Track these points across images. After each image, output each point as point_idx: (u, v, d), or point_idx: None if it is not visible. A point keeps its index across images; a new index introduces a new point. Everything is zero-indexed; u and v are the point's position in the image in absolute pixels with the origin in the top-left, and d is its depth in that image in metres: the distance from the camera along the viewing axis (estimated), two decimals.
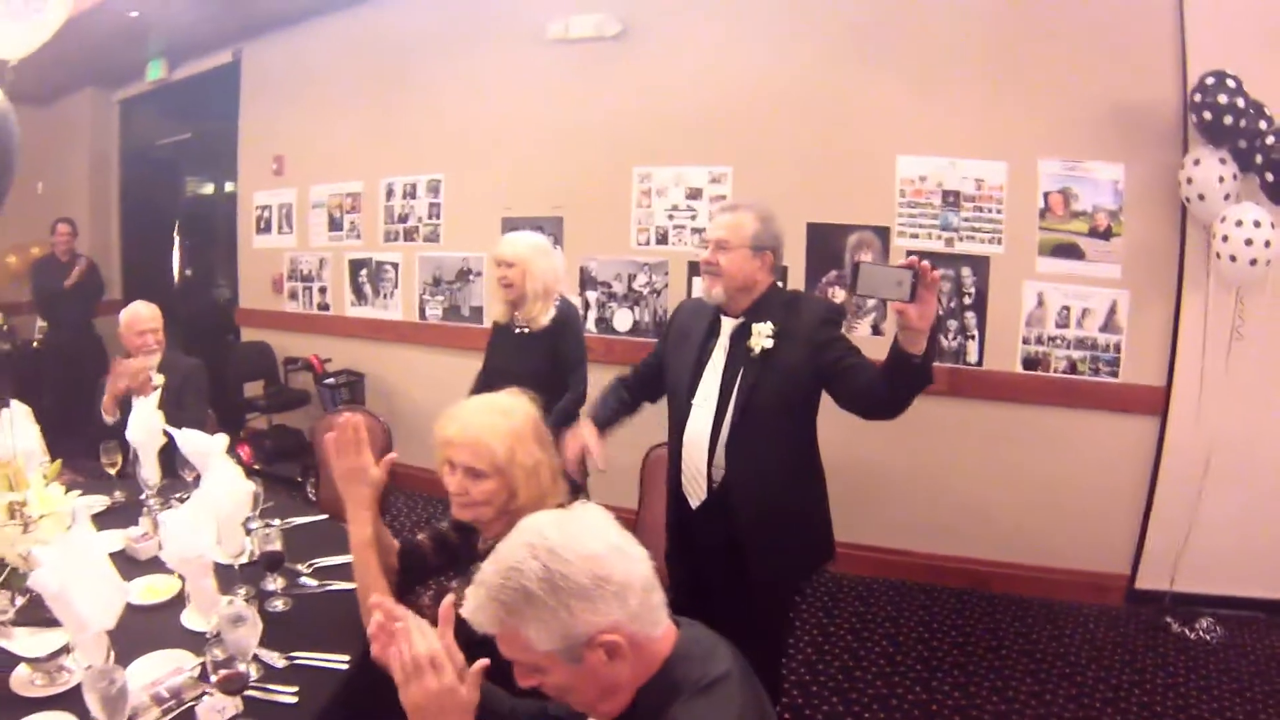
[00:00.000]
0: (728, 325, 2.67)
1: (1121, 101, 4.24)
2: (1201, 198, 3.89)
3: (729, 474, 2.61)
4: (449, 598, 1.53)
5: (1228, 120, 3.70)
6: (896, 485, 4.72)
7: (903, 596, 4.55)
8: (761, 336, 2.57)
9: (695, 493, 2.67)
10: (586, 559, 1.31)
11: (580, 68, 5.28)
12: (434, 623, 1.51)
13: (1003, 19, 4.39)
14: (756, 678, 1.43)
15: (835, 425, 3.72)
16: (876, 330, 4.64)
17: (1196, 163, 3.90)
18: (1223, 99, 3.70)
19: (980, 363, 4.53)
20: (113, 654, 1.84)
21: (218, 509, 2.23)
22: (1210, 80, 3.76)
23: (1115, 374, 4.35)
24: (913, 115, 4.56)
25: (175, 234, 8.58)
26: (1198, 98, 3.79)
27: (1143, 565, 4.43)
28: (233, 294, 7.99)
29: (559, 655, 1.31)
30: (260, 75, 6.96)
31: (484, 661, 1.46)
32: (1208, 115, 3.75)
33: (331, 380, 6.06)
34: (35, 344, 7.24)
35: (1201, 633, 4.10)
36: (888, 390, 2.37)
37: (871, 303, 4.59)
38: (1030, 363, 4.45)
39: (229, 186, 8.20)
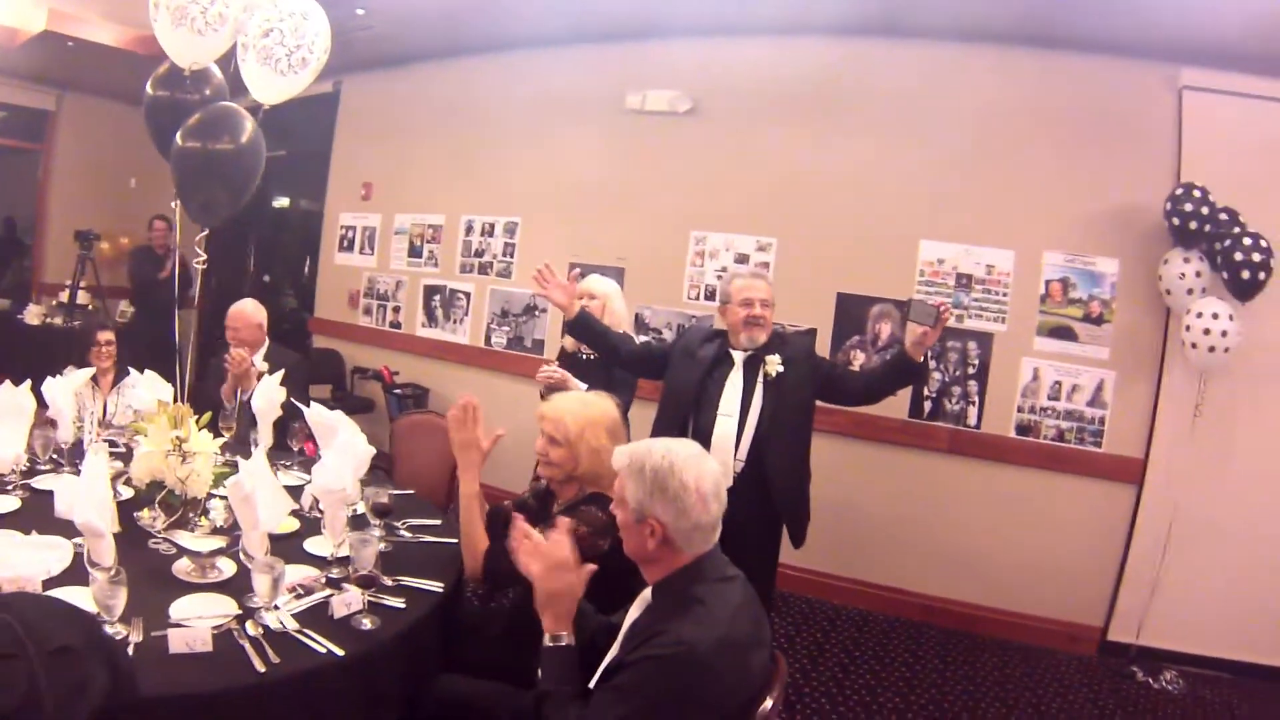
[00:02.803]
0: (739, 356, 3.81)
1: (1120, 203, 5.11)
2: (1169, 292, 4.79)
3: (764, 464, 3.71)
4: (566, 519, 2.45)
5: (1193, 225, 4.60)
6: (897, 528, 5.53)
7: (894, 630, 5.30)
8: (774, 365, 3.75)
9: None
10: (683, 483, 2.12)
11: (652, 137, 6.24)
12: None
13: (1019, 123, 5.28)
14: (760, 603, 2.26)
15: (849, 473, 4.81)
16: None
17: (1166, 262, 4.81)
18: (1188, 207, 4.61)
19: (979, 426, 5.36)
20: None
21: (354, 458, 3.11)
22: (1180, 191, 4.66)
23: (1099, 444, 5.15)
24: (936, 206, 5.45)
25: (250, 243, 9.80)
26: (1168, 206, 4.69)
27: (1115, 619, 5.14)
28: (299, 304, 9.17)
29: (632, 508, 2.16)
30: (357, 107, 8.07)
31: (592, 566, 2.31)
32: (1176, 221, 4.66)
33: (399, 391, 7.04)
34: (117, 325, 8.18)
35: (1165, 684, 4.78)
36: (889, 384, 3.82)
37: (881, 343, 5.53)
38: (1023, 429, 5.28)
39: (304, 204, 9.41)
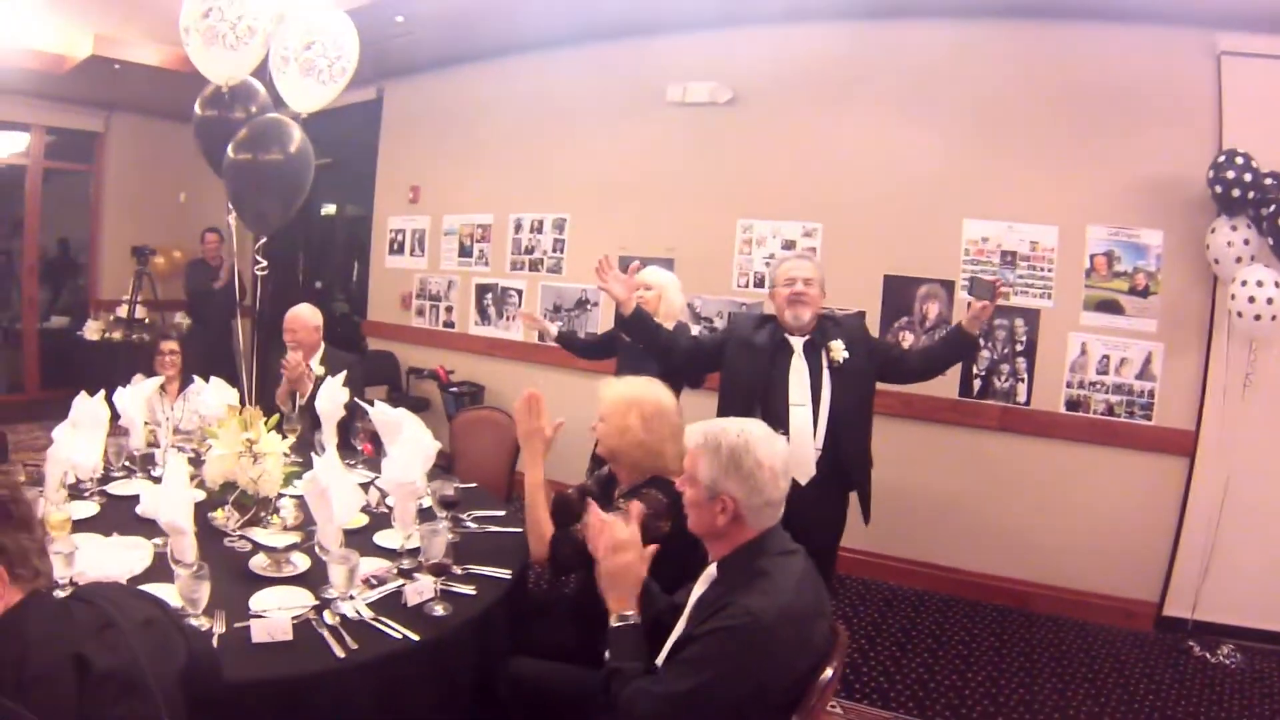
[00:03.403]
0: (797, 343, 3.83)
1: (1162, 174, 5.07)
2: (1217, 261, 4.77)
3: (840, 450, 3.76)
4: (636, 503, 2.57)
5: (1235, 193, 4.57)
6: (951, 508, 5.55)
7: (950, 609, 5.33)
8: (839, 351, 3.79)
9: (804, 473, 3.69)
10: (757, 460, 2.23)
11: (694, 128, 6.32)
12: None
13: (1057, 98, 5.27)
14: (819, 576, 2.36)
15: (901, 454, 4.86)
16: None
17: (1213, 231, 4.78)
18: (1230, 174, 4.58)
19: (1028, 403, 5.37)
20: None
21: (421, 453, 3.23)
22: (1222, 158, 4.64)
23: (1149, 418, 5.13)
24: (978, 184, 5.46)
25: (299, 250, 9.97)
26: (1210, 174, 4.67)
27: (1170, 594, 5.11)
28: (350, 308, 9.31)
29: (704, 485, 2.26)
30: (401, 112, 8.22)
31: (654, 546, 2.42)
32: (1219, 189, 4.64)
33: (455, 389, 7.17)
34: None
35: (1222, 658, 4.73)
36: (946, 359, 4.01)
37: (929, 323, 5.57)
38: (1073, 404, 5.28)
39: (350, 209, 9.53)
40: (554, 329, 5.31)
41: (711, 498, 2.25)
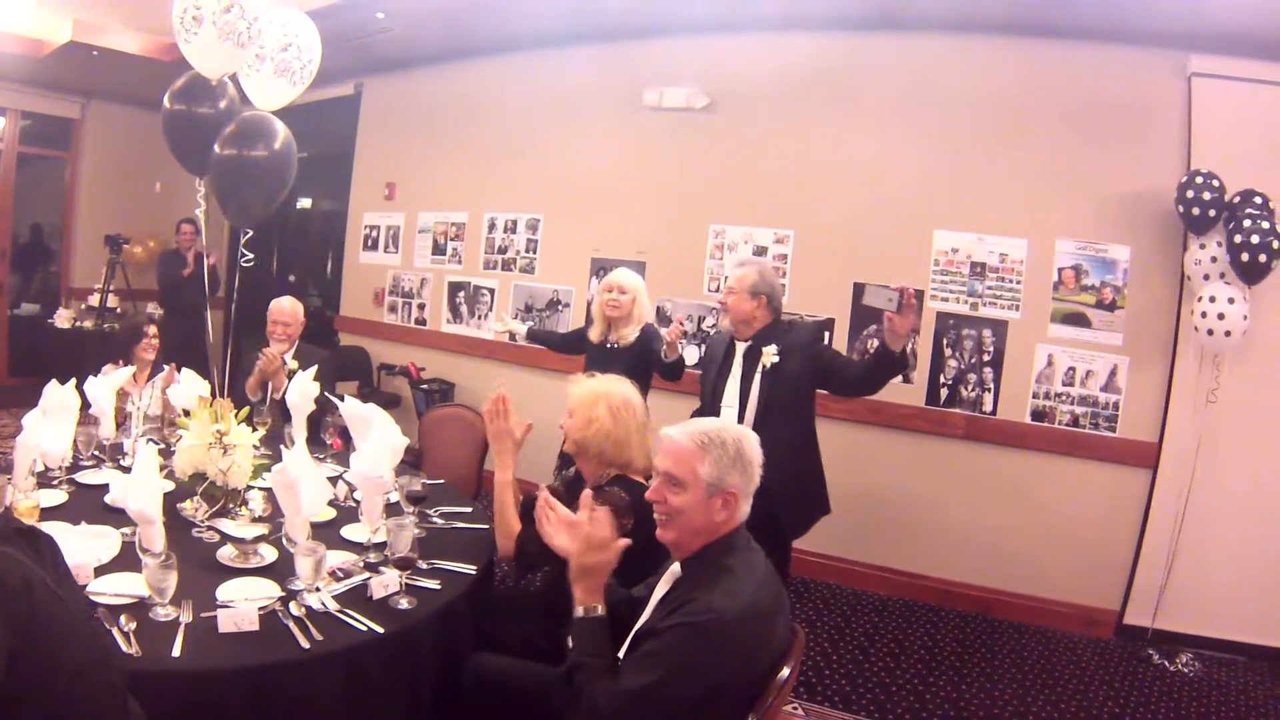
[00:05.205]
0: (740, 348, 3.97)
1: (1131, 191, 5.18)
2: (1189, 278, 4.89)
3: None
4: (587, 491, 2.59)
5: (1195, 211, 4.69)
6: (916, 514, 5.62)
7: (913, 614, 5.40)
8: (769, 355, 3.88)
9: None
10: (754, 450, 2.36)
11: (670, 133, 6.38)
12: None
13: (1030, 113, 5.37)
14: (778, 576, 2.42)
15: (867, 459, 4.90)
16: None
17: (1185, 249, 4.93)
18: (1190, 194, 4.70)
19: (995, 412, 5.45)
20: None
21: (390, 449, 3.28)
22: (1186, 178, 4.76)
23: (1113, 429, 5.23)
24: (949, 195, 5.53)
25: (273, 243, 9.93)
26: (1177, 193, 4.77)
27: (1131, 602, 5.21)
28: (323, 302, 9.31)
29: (704, 485, 2.28)
30: (379, 108, 8.26)
31: (626, 541, 2.42)
32: (1182, 208, 4.75)
33: (426, 386, 7.21)
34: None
35: (1181, 666, 4.85)
36: (875, 376, 3.79)
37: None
38: (1038, 415, 5.36)
39: (326, 204, 9.50)
40: (522, 328, 5.50)
41: (712, 494, 2.29)
